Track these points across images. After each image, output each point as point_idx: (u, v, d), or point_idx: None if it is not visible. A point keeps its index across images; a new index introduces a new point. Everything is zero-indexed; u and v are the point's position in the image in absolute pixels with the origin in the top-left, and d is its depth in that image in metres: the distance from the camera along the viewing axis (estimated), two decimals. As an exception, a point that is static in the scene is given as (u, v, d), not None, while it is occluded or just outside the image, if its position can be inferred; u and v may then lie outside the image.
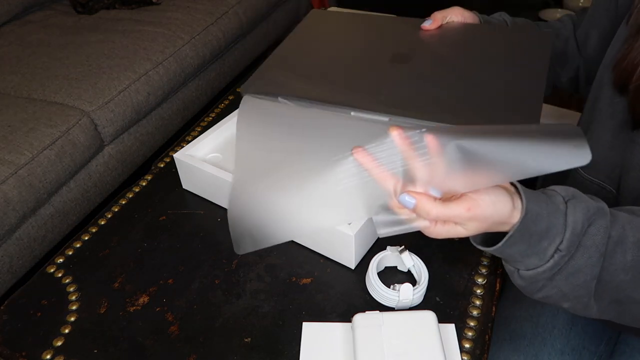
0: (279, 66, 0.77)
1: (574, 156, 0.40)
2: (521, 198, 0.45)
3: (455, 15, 0.85)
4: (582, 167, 0.67)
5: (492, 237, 0.48)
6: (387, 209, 0.47)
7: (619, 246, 0.45)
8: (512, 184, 0.46)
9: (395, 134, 0.43)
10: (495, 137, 0.42)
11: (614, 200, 0.63)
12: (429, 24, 0.84)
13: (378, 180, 0.45)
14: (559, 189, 0.48)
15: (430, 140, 0.42)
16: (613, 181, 0.62)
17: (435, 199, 0.44)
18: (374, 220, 0.48)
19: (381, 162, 0.44)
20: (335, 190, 0.47)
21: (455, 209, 0.43)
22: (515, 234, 0.45)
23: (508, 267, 0.50)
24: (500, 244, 0.46)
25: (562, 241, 0.45)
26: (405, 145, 0.43)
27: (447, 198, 0.45)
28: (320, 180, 0.47)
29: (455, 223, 0.45)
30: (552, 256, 0.45)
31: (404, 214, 0.46)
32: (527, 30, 0.84)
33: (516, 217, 0.45)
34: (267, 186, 0.54)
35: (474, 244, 0.49)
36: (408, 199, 0.44)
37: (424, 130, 0.42)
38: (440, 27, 0.84)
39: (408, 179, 0.44)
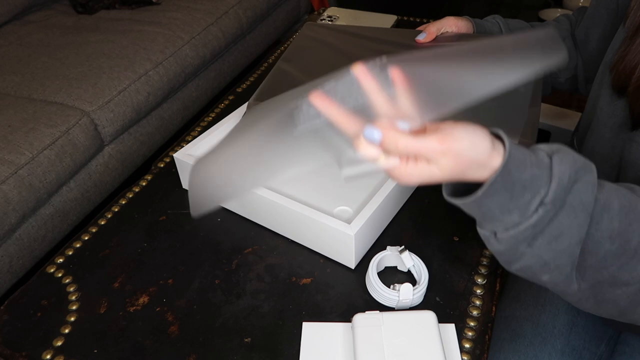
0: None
1: (547, 55, 0.37)
2: (502, 141, 0.41)
3: (449, 26, 0.85)
4: None
5: (467, 192, 0.43)
6: (351, 151, 0.42)
7: (605, 212, 0.42)
8: (491, 132, 0.43)
9: (357, 69, 0.40)
10: (458, 56, 0.39)
11: None
12: (424, 38, 0.84)
13: (339, 123, 0.41)
14: (541, 145, 0.44)
15: (394, 71, 0.39)
16: (613, 181, 0.62)
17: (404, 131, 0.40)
18: (338, 161, 0.44)
19: (342, 101, 0.41)
20: (293, 135, 0.43)
21: (426, 141, 0.39)
22: (498, 179, 0.40)
23: (483, 233, 0.45)
24: (480, 192, 0.41)
25: (547, 193, 0.40)
26: (367, 80, 0.40)
27: (418, 131, 0.41)
28: (279, 127, 0.44)
29: (428, 161, 0.40)
30: (536, 210, 0.41)
31: (370, 155, 0.41)
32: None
33: (497, 159, 0.40)
34: (234, 144, 0.51)
35: (447, 198, 0.44)
36: (375, 133, 0.40)
37: (384, 59, 0.39)
38: (434, 39, 0.84)
39: (372, 117, 0.41)
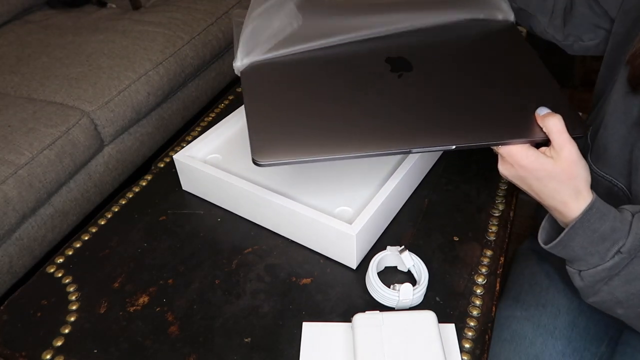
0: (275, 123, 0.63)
1: None
2: (592, 194, 0.50)
3: None
4: (595, 162, 0.65)
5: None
6: None
7: None
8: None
9: None
10: None
11: (626, 199, 0.61)
12: None
13: None
14: (628, 206, 0.52)
15: None
16: (625, 178, 0.61)
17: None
18: None
19: None
20: None
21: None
22: (577, 225, 0.49)
23: (570, 270, 0.54)
24: (563, 234, 0.50)
25: (624, 244, 0.48)
26: None
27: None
28: None
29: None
30: (613, 257, 0.49)
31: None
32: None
33: (582, 205, 0.49)
34: None
35: (542, 245, 0.54)
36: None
37: None
38: None
39: None
